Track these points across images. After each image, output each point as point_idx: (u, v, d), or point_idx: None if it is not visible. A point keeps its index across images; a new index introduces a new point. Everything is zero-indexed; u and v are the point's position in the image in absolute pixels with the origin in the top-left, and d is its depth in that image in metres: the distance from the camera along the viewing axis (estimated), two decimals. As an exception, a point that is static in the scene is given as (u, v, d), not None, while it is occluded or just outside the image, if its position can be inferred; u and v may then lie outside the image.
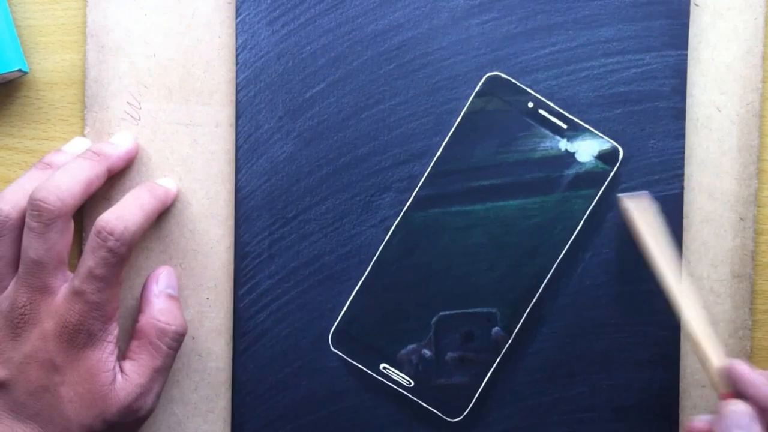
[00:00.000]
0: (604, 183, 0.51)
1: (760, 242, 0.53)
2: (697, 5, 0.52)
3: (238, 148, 0.52)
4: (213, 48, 0.53)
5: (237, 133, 0.52)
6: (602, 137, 0.51)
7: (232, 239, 0.52)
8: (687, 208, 0.52)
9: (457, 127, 0.51)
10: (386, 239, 0.51)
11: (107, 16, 0.53)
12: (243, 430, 0.52)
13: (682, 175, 0.51)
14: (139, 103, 0.53)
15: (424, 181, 0.51)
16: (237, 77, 0.52)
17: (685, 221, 0.52)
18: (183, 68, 0.53)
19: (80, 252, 0.53)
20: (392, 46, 0.52)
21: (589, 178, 0.51)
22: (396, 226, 0.51)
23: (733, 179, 0.52)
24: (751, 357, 0.53)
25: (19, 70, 0.52)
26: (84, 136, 0.53)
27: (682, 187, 0.52)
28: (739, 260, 0.52)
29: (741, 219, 0.52)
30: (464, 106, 0.51)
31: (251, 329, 0.52)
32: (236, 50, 0.52)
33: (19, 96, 0.54)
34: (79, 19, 0.54)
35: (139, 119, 0.53)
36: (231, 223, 0.53)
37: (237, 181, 0.52)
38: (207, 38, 0.53)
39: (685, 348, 0.52)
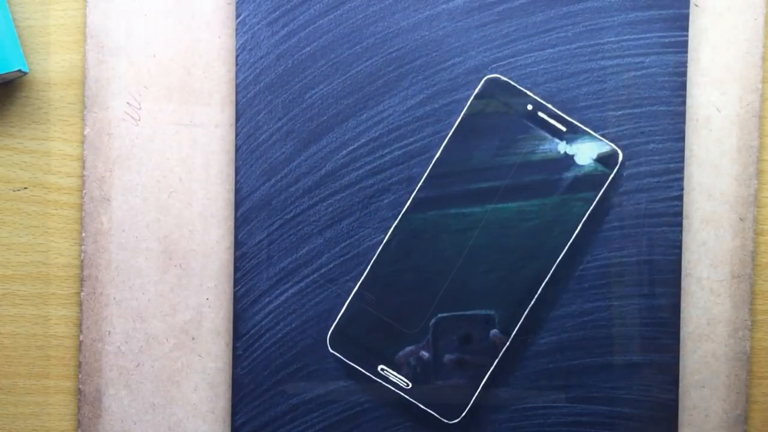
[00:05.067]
0: (603, 186, 0.51)
1: (760, 242, 0.53)
2: (697, 6, 0.52)
3: (237, 149, 0.52)
4: (213, 48, 0.53)
5: (236, 134, 0.52)
6: (601, 140, 0.51)
7: (232, 240, 0.53)
8: (687, 209, 0.52)
9: (456, 129, 0.51)
10: (385, 241, 0.51)
11: (107, 16, 0.53)
12: (242, 431, 0.52)
13: (682, 178, 0.51)
14: (139, 103, 0.53)
15: (422, 182, 0.51)
16: (237, 78, 0.52)
17: (685, 221, 0.52)
18: (183, 68, 0.53)
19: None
20: (391, 48, 0.52)
21: (588, 181, 0.51)
22: (394, 227, 0.51)
23: (733, 179, 0.52)
24: (751, 357, 0.53)
25: (19, 70, 0.52)
26: (84, 136, 0.53)
27: (682, 189, 0.52)
28: (739, 260, 0.52)
29: (741, 219, 0.52)
30: (463, 108, 0.51)
31: (249, 330, 0.52)
32: (236, 51, 0.52)
33: (19, 96, 0.54)
34: (79, 19, 0.54)
35: (139, 119, 0.53)
36: (231, 223, 0.53)
37: (236, 181, 0.52)
38: (207, 38, 0.53)
39: (684, 348, 0.52)
